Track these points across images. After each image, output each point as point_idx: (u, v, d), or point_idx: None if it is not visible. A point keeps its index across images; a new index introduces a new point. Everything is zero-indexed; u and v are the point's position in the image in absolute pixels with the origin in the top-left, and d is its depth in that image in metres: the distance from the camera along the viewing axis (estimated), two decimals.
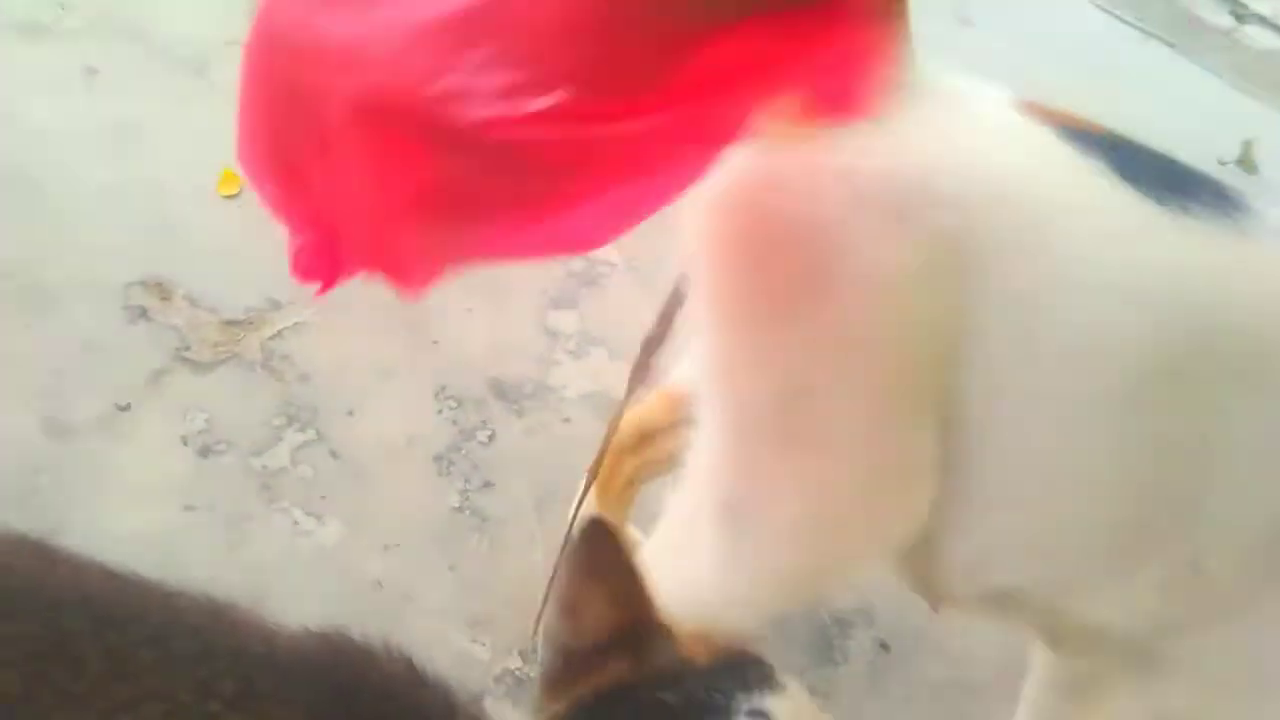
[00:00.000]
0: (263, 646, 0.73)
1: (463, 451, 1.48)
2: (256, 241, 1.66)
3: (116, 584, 0.73)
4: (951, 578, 0.95)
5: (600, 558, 0.73)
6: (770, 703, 0.70)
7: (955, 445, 0.85)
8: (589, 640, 0.73)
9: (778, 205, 0.84)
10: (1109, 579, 0.91)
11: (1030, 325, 0.83)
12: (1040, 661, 1.07)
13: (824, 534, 0.91)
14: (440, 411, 1.52)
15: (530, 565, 1.37)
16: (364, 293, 1.63)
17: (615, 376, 1.69)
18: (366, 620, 1.23)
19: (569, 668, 0.73)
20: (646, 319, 1.80)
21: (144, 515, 1.25)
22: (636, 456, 1.30)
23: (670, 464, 1.28)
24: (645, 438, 1.28)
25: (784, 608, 1.06)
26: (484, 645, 1.27)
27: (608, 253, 1.93)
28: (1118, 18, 2.91)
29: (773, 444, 0.90)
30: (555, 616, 0.74)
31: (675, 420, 1.24)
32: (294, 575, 1.26)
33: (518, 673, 1.25)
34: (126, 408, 1.35)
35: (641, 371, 1.11)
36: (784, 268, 0.85)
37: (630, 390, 1.12)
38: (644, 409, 1.31)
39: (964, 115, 0.87)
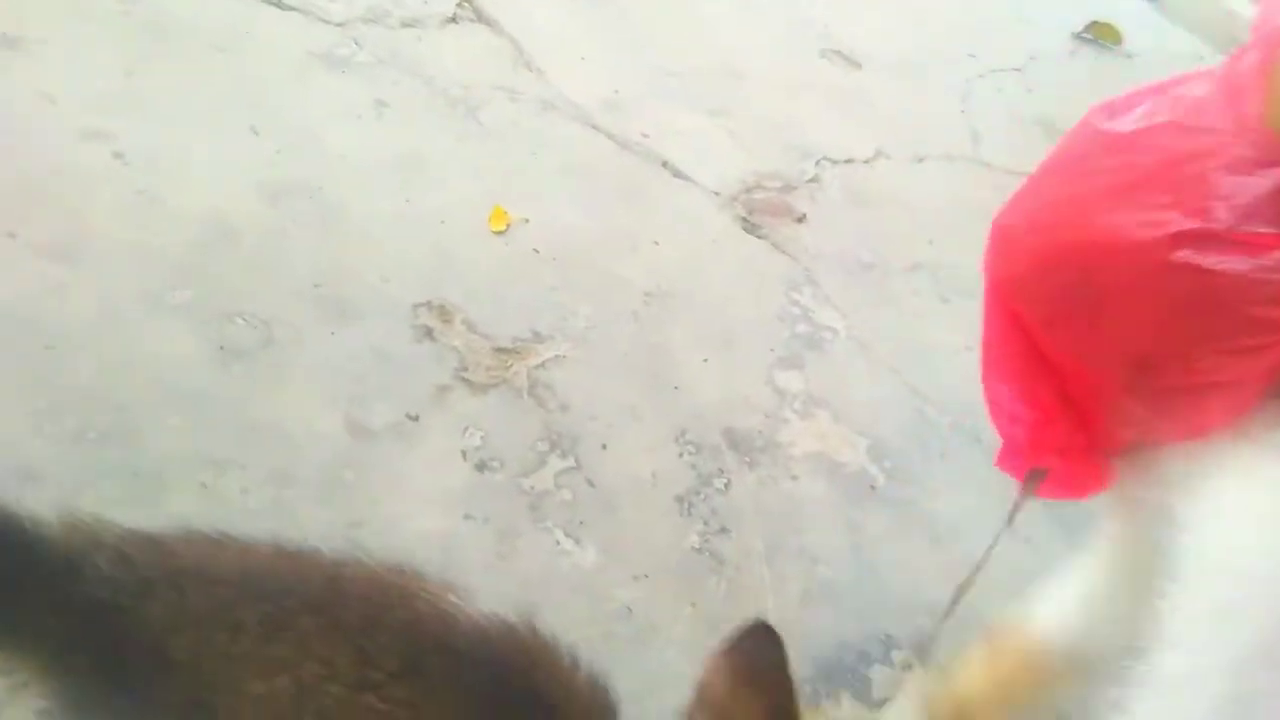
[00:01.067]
0: (439, 627, 0.79)
1: (702, 496, 1.57)
2: (521, 276, 1.81)
3: (280, 561, 0.80)
4: None
5: (768, 670, 0.76)
6: None
7: None
8: None
9: None
10: None
11: None
12: None
13: None
14: (681, 455, 1.62)
15: (762, 611, 1.45)
16: (612, 334, 1.76)
17: (837, 440, 1.77)
18: (617, 644, 1.33)
19: None
20: (865, 387, 1.88)
21: (429, 518, 1.37)
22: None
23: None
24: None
25: None
26: None
27: (830, 317, 2.02)
28: None
29: None
30: (698, 714, 0.74)
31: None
32: (556, 591, 1.36)
33: None
34: (416, 418, 1.48)
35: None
36: None
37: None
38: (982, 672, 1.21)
39: None
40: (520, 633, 0.81)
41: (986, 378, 1.00)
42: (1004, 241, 0.93)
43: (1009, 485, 1.82)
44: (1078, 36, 3.42)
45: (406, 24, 2.28)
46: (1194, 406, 0.85)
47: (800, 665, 1.40)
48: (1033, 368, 0.93)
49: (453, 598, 0.81)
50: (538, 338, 1.69)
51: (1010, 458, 1.05)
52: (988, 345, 0.99)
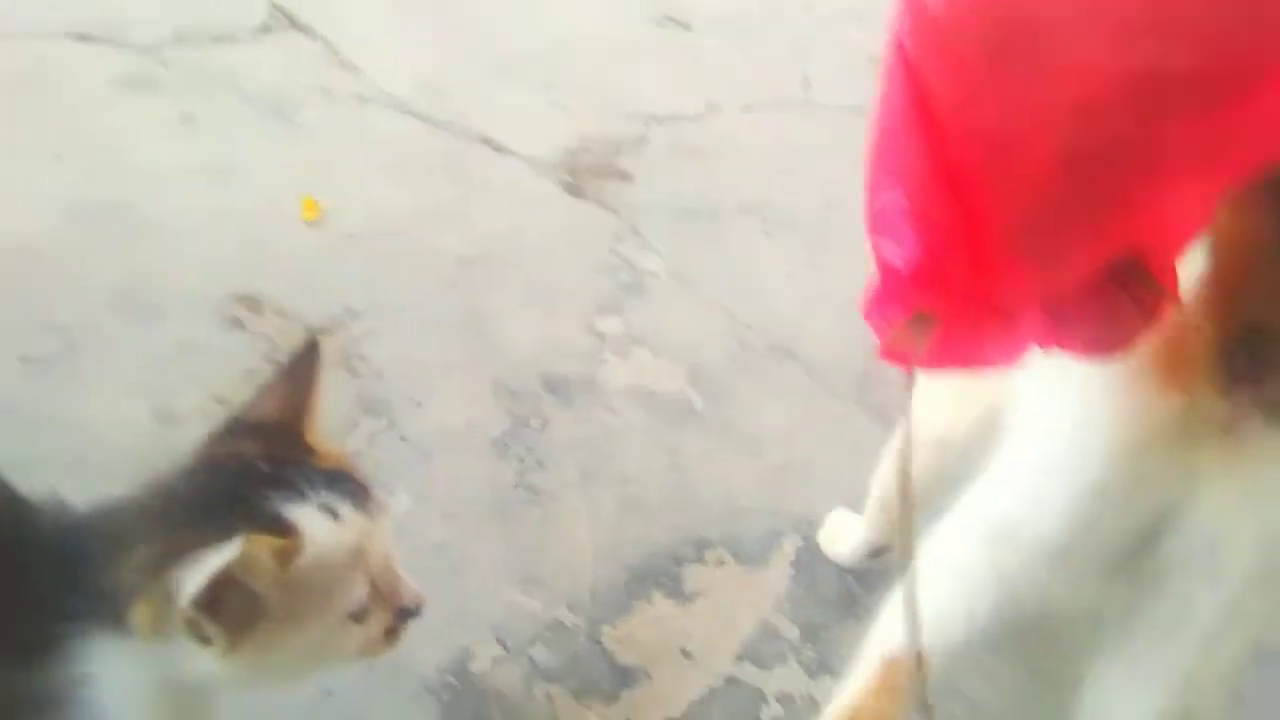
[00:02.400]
0: None
1: (518, 437, 1.65)
2: (335, 261, 1.88)
3: None
4: None
5: (302, 371, 0.92)
6: (342, 508, 0.86)
7: None
8: (253, 417, 0.91)
9: None
10: None
11: None
12: None
13: None
14: (498, 403, 1.70)
15: (577, 534, 1.53)
16: (429, 303, 1.84)
17: (657, 372, 1.86)
18: (430, 576, 1.40)
19: (229, 431, 0.91)
20: (686, 322, 1.97)
21: None
22: None
23: None
24: None
25: None
26: (535, 599, 1.43)
27: (652, 262, 2.10)
28: None
29: None
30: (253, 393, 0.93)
31: None
32: None
33: (566, 623, 1.41)
34: (223, 401, 1.54)
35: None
36: None
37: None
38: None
39: None
40: None
41: (871, 186, 0.80)
42: None
43: (826, 392, 1.94)
44: None
45: (216, 39, 2.34)
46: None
47: (613, 574, 1.49)
48: (936, 169, 0.74)
49: None
50: (351, 315, 1.76)
51: (885, 299, 0.82)
52: (880, 140, 0.79)
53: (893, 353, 0.83)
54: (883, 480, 1.43)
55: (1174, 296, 0.81)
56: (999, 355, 0.89)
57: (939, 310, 0.80)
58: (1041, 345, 0.86)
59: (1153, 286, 0.79)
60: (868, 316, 0.84)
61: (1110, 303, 0.80)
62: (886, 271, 0.80)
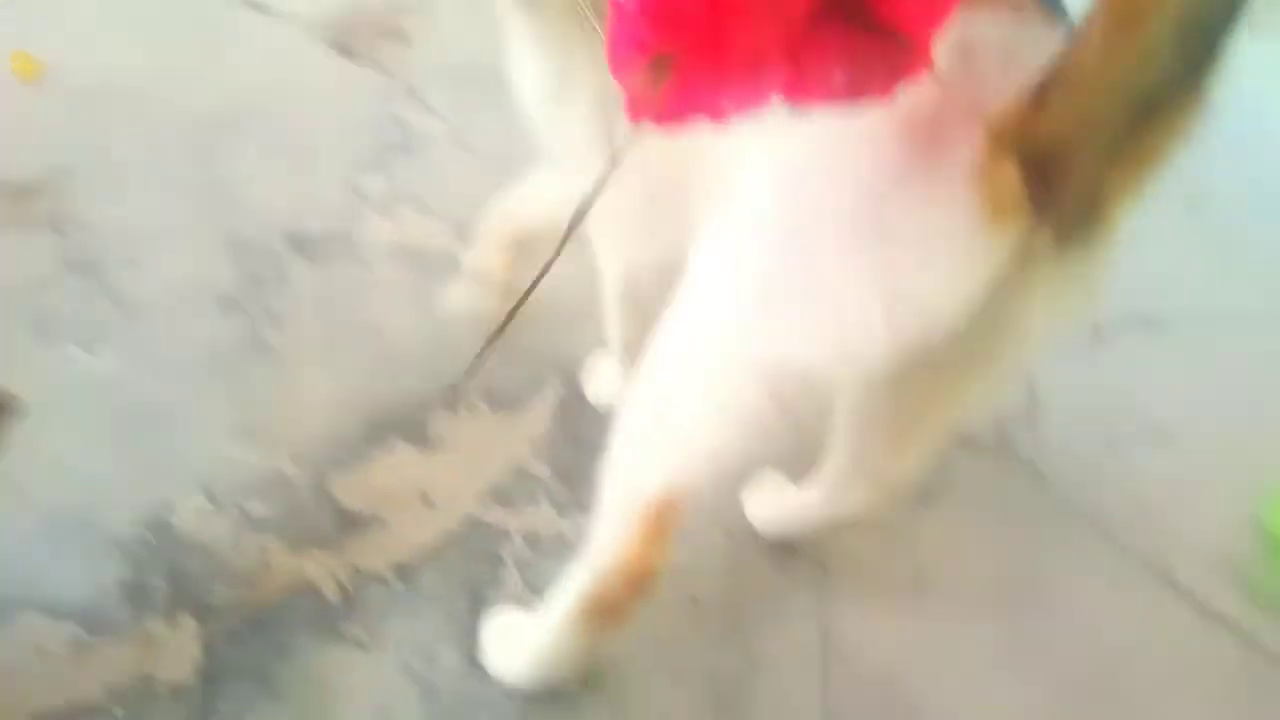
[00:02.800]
0: None
1: (252, 295, 1.51)
2: (53, 121, 1.70)
3: None
4: None
5: None
6: None
7: None
8: None
9: None
10: None
11: None
12: None
13: None
14: (231, 261, 1.55)
15: (313, 389, 1.41)
16: (161, 163, 1.67)
17: (422, 229, 1.73)
18: (137, 436, 1.28)
19: None
20: (460, 181, 1.84)
21: None
22: None
23: None
24: None
25: None
26: (253, 453, 1.30)
27: (429, 123, 1.97)
28: None
29: None
30: None
31: None
32: (66, 401, 1.30)
33: (288, 474, 1.29)
34: None
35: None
36: None
37: None
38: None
39: None
40: None
41: None
42: None
43: None
44: None
45: None
46: None
47: (350, 425, 1.38)
48: None
49: None
50: (66, 174, 1.59)
51: (624, 44, 0.80)
52: None
53: (639, 107, 0.78)
54: (616, 322, 1.34)
55: (923, 53, 0.75)
56: (744, 103, 0.82)
57: (677, 50, 0.76)
58: (786, 95, 0.80)
59: (892, 34, 0.75)
60: (613, 72, 0.80)
61: (847, 46, 0.76)
62: (622, 14, 0.77)
